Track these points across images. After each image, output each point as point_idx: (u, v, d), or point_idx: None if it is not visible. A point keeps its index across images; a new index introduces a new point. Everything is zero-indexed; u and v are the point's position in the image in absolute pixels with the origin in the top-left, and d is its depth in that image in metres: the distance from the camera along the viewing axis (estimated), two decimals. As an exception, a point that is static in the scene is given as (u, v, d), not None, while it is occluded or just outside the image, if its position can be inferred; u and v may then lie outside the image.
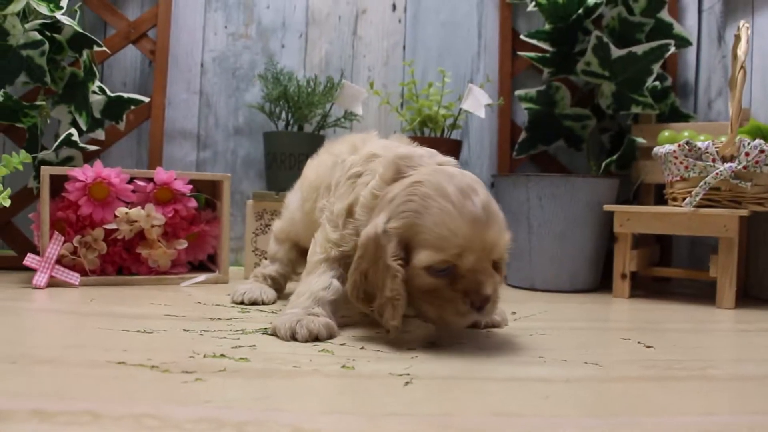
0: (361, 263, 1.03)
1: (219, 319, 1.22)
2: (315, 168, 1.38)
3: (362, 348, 1.02)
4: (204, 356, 0.94)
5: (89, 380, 0.81)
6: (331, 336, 1.08)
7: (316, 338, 1.06)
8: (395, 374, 0.87)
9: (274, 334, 1.09)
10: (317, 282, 1.13)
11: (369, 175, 1.12)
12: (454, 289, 0.99)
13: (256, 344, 1.03)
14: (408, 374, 0.87)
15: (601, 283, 1.83)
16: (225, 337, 1.06)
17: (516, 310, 1.43)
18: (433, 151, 1.16)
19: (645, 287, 1.86)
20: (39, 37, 1.64)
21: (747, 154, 1.49)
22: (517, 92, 1.99)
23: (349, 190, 1.15)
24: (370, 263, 1.02)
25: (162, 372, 0.85)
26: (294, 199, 1.46)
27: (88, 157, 1.85)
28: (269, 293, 1.42)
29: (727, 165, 1.51)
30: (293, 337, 1.05)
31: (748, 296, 1.74)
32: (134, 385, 0.80)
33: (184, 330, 1.11)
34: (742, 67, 1.49)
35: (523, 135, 2.01)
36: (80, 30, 1.70)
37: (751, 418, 0.74)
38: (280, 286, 1.48)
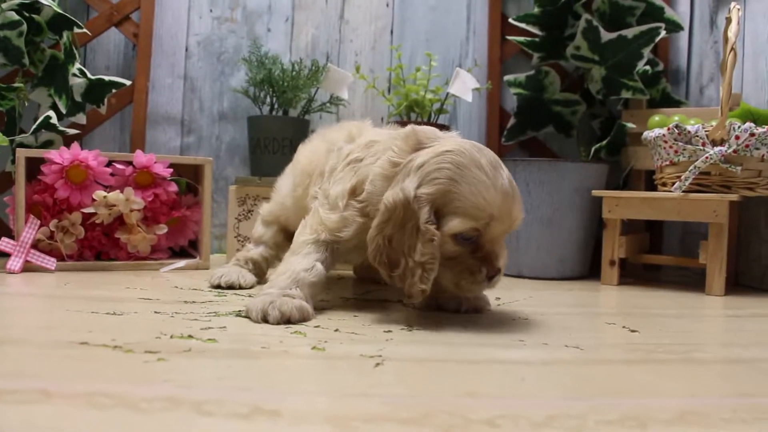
0: (385, 227, 1.02)
1: (193, 302, 1.19)
2: (308, 154, 1.35)
3: (336, 330, 0.99)
4: (171, 337, 0.91)
5: (48, 360, 0.79)
6: (303, 319, 1.05)
7: (288, 320, 1.03)
8: (367, 356, 0.84)
9: (247, 316, 1.06)
10: (300, 262, 1.11)
11: (372, 158, 1.11)
12: (474, 257, 1.03)
13: (227, 326, 1.00)
14: (380, 356, 0.84)
15: (590, 270, 1.80)
16: (196, 319, 1.04)
17: (500, 296, 1.40)
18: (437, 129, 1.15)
19: (635, 274, 1.83)
20: (17, 17, 1.60)
21: (737, 138, 1.46)
22: (506, 77, 1.96)
23: (349, 174, 1.13)
24: (396, 228, 1.01)
25: (124, 352, 0.82)
26: (285, 183, 1.43)
27: (69, 142, 1.81)
28: (248, 277, 1.39)
29: (717, 149, 1.48)
30: (265, 319, 1.03)
31: (739, 284, 1.71)
32: (93, 364, 0.77)
33: (156, 312, 1.09)
34: (732, 49, 1.46)
35: (512, 121, 1.98)
36: (60, 11, 1.67)
37: (734, 400, 0.71)
38: (261, 271, 1.45)
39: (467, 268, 1.03)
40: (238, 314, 1.09)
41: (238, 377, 0.73)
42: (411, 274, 1.01)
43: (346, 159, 1.15)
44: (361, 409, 0.64)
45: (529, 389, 0.73)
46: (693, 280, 1.76)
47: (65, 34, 1.70)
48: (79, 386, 0.68)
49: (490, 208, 0.99)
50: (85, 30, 1.74)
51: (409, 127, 1.10)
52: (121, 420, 0.59)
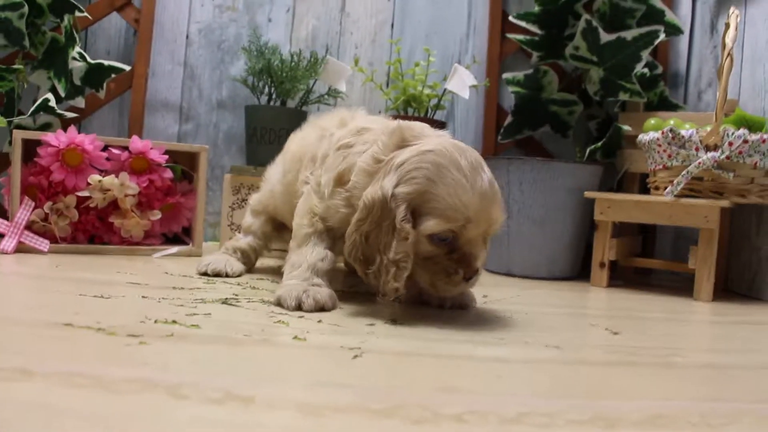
0: (362, 225, 1.03)
1: (182, 288, 1.20)
2: (299, 140, 1.35)
3: (320, 321, 1.00)
4: (155, 322, 0.92)
5: (31, 339, 0.80)
6: (335, 306, 1.10)
7: (322, 308, 1.07)
8: (347, 347, 0.85)
9: (279, 304, 1.08)
10: (313, 253, 1.13)
11: (363, 145, 1.11)
12: (450, 258, 1.03)
13: (212, 313, 1.01)
14: (360, 348, 0.85)
15: (581, 271, 1.80)
16: (182, 305, 1.04)
17: (488, 293, 1.40)
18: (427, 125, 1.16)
19: (625, 277, 1.84)
20: (18, -1, 1.61)
21: (730, 144, 1.47)
22: (505, 75, 1.96)
23: (338, 160, 1.13)
24: (373, 225, 1.02)
25: (107, 335, 0.83)
26: (275, 171, 1.44)
27: (68, 125, 1.82)
28: (235, 266, 1.40)
29: (709, 154, 1.48)
30: (299, 307, 1.06)
31: (729, 290, 1.71)
32: (75, 345, 0.78)
33: (143, 297, 1.09)
34: (729, 54, 1.46)
35: (509, 119, 1.98)
36: (61, -6, 1.68)
37: (706, 405, 0.72)
38: (249, 260, 1.46)
39: (443, 269, 1.03)
40: (225, 302, 1.10)
41: (215, 363, 0.74)
42: (385, 272, 1.02)
43: (338, 144, 1.15)
44: (333, 398, 0.65)
45: (504, 386, 0.74)
46: (683, 285, 1.76)
47: (66, 18, 1.71)
48: (60, 366, 0.69)
49: (466, 210, 0.99)
50: (86, 14, 1.74)
51: (396, 123, 1.11)
52: (95, 400, 0.60)
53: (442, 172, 1.00)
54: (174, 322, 0.92)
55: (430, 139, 1.07)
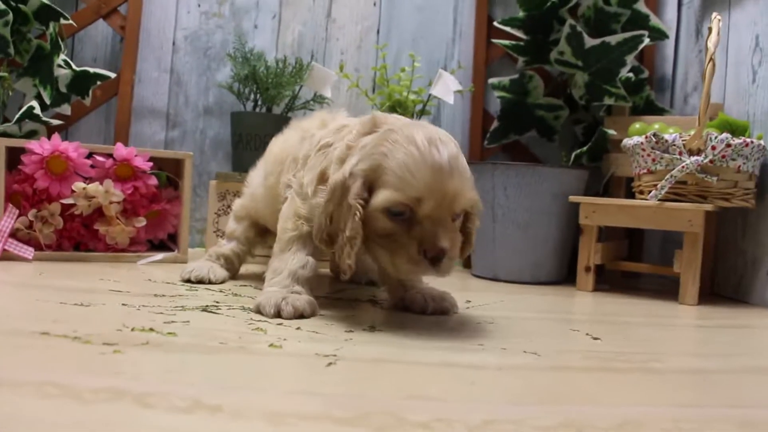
0: (327, 206, 1.04)
1: (163, 295, 1.20)
2: (281, 143, 1.36)
3: (298, 328, 1.00)
4: (132, 329, 0.92)
5: (5, 348, 0.79)
6: (314, 313, 1.09)
7: (301, 315, 1.07)
8: (322, 355, 0.85)
9: (258, 311, 1.08)
10: (294, 260, 1.13)
11: (341, 141, 1.10)
12: (410, 236, 0.99)
13: (191, 320, 1.01)
14: (335, 355, 0.85)
15: (567, 276, 1.80)
16: (161, 313, 1.04)
17: (472, 298, 1.40)
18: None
19: (612, 281, 1.84)
20: (3, 6, 1.61)
21: (714, 148, 1.47)
22: (491, 80, 1.97)
23: (319, 159, 1.13)
24: (336, 205, 1.03)
25: (83, 343, 0.83)
26: (256, 175, 1.44)
27: (53, 132, 1.82)
28: (218, 272, 1.40)
29: (693, 158, 1.48)
30: (278, 315, 1.06)
31: (714, 293, 1.72)
32: (49, 354, 0.78)
33: (123, 304, 1.09)
34: (711, 59, 1.47)
35: (495, 124, 1.99)
36: (47, 2, 1.67)
37: (679, 410, 0.72)
38: (233, 266, 1.46)
39: (403, 247, 1.00)
40: (205, 309, 1.10)
41: (186, 372, 0.74)
42: (340, 250, 1.02)
43: (318, 145, 1.15)
44: (301, 407, 0.65)
45: (476, 393, 0.74)
46: (669, 289, 1.76)
47: (52, 25, 1.71)
48: (32, 376, 0.69)
49: (416, 183, 0.96)
50: (71, 21, 1.74)
51: (371, 114, 1.11)
52: (62, 409, 0.60)
53: (395, 146, 0.99)
54: (151, 329, 0.92)
55: (397, 122, 1.06)
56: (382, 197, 0.98)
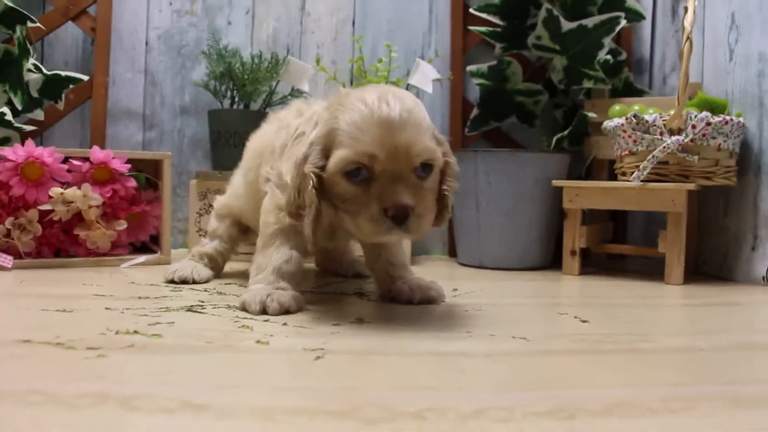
0: (294, 179, 1.03)
1: (147, 297, 1.18)
2: (259, 137, 1.34)
3: (284, 324, 0.99)
4: (116, 333, 0.90)
5: (-16, 359, 0.78)
6: (300, 308, 1.08)
7: (287, 311, 1.06)
8: (309, 349, 0.84)
9: (244, 309, 1.07)
10: (277, 255, 1.11)
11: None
12: (369, 195, 0.96)
13: (176, 321, 0.99)
14: (322, 349, 0.84)
15: (553, 260, 1.80)
16: (146, 315, 1.03)
17: (458, 287, 1.40)
18: None
19: (598, 264, 1.84)
20: (-32, 11, 1.58)
21: (694, 127, 1.47)
22: (469, 68, 1.96)
23: (297, 147, 1.11)
24: (301, 177, 1.01)
25: (66, 349, 0.81)
26: (238, 173, 1.43)
27: (27, 138, 1.79)
28: (202, 272, 1.38)
29: (674, 138, 1.48)
30: (264, 311, 1.05)
31: (700, 273, 1.72)
32: (33, 362, 0.76)
33: (107, 308, 1.07)
34: (688, 38, 1.47)
35: (474, 111, 1.98)
36: (12, 5, 1.65)
37: (667, 390, 0.72)
38: (217, 265, 1.44)
39: (364, 207, 0.97)
40: (190, 309, 1.09)
41: (173, 373, 0.73)
42: (305, 220, 1.02)
43: (294, 134, 1.14)
44: (291, 402, 0.64)
45: (466, 381, 0.73)
46: (655, 269, 1.77)
47: (18, 29, 1.68)
48: (15, 385, 0.67)
49: (364, 137, 0.95)
50: (39, 24, 1.71)
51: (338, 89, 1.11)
52: (48, 417, 0.59)
53: (346, 108, 0.97)
54: (135, 332, 0.91)
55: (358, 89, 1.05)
56: (334, 159, 0.97)
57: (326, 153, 0.99)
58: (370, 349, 0.86)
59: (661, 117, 1.51)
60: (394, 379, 0.72)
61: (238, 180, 1.41)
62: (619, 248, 1.78)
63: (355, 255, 1.56)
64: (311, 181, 0.99)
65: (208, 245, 1.45)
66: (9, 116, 1.62)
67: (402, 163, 0.96)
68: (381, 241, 1.09)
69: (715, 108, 1.55)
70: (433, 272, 1.66)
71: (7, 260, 1.47)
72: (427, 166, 0.99)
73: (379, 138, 0.94)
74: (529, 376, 0.76)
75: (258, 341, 0.88)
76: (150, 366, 0.75)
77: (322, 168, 0.99)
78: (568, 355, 0.87)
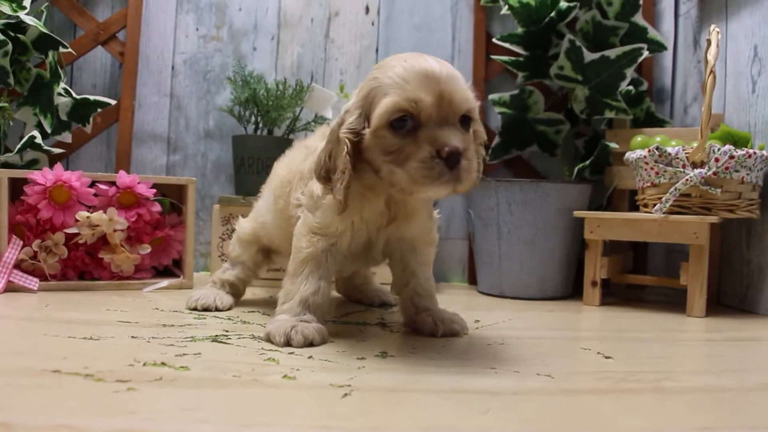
0: (327, 146, 1.05)
1: (172, 325, 1.20)
2: (286, 165, 1.34)
3: (310, 357, 0.99)
4: (144, 364, 0.91)
5: (16, 389, 0.78)
6: (323, 341, 1.09)
7: (310, 344, 1.06)
8: (336, 385, 0.85)
9: (269, 340, 1.08)
10: (306, 285, 1.12)
11: None
12: (419, 142, 0.96)
13: (202, 352, 1.00)
14: (349, 385, 0.85)
15: (573, 290, 1.80)
16: (172, 345, 1.04)
17: (480, 317, 1.40)
18: None
19: (618, 294, 1.83)
20: (1, 37, 1.61)
21: (717, 160, 1.47)
22: (491, 96, 1.97)
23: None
24: (334, 144, 1.04)
25: (95, 381, 0.82)
26: (264, 202, 1.42)
27: (55, 161, 1.82)
28: (225, 299, 1.39)
29: (697, 171, 1.48)
30: (288, 343, 1.06)
31: (721, 304, 1.71)
32: (62, 394, 0.77)
33: (132, 337, 1.09)
34: (711, 71, 1.47)
35: (496, 140, 1.98)
36: (45, 31, 1.68)
37: (696, 433, 0.72)
38: (238, 292, 1.45)
39: (413, 153, 0.96)
40: (215, 339, 1.09)
41: (201, 408, 0.74)
42: (334, 186, 1.04)
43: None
44: (321, 445, 0.64)
45: (490, 421, 0.73)
46: (676, 300, 1.76)
47: (51, 54, 1.71)
48: (45, 419, 0.68)
49: (411, 85, 0.95)
50: (70, 50, 1.74)
51: None
52: (79, 457, 0.60)
53: (385, 69, 0.99)
54: (163, 364, 0.92)
55: None
56: (379, 110, 0.97)
57: (366, 115, 1.01)
58: (395, 386, 0.87)
59: (683, 150, 1.51)
60: (420, 420, 0.73)
61: (265, 209, 1.40)
62: (640, 279, 1.77)
63: (377, 284, 1.57)
64: (346, 147, 1.01)
65: (230, 272, 1.45)
66: (39, 139, 1.65)
67: (447, 110, 0.96)
68: (431, 193, 1.01)
69: (738, 141, 1.55)
70: (453, 300, 1.66)
71: (33, 282, 1.49)
72: (467, 119, 1.00)
73: (425, 85, 0.95)
74: (556, 416, 0.77)
75: (285, 376, 0.88)
76: (179, 401, 0.76)
77: (358, 134, 1.01)
78: (593, 395, 0.87)
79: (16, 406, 0.72)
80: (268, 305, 1.45)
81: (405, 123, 0.96)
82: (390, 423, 0.71)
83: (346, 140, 1.01)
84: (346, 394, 0.81)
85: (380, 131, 0.98)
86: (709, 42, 1.51)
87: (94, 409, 0.72)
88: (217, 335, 1.12)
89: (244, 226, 1.47)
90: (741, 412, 0.81)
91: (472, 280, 1.99)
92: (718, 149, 1.47)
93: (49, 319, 1.22)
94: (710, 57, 1.48)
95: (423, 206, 1.16)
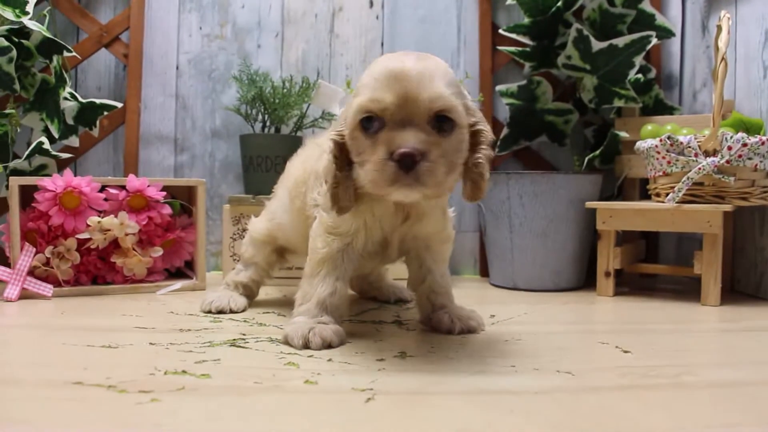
0: (328, 167, 1.06)
1: (189, 330, 1.19)
2: (301, 164, 1.32)
3: (329, 360, 0.99)
4: (165, 373, 0.91)
5: (39, 403, 0.78)
6: (341, 343, 1.09)
7: (329, 346, 1.06)
8: (358, 389, 0.84)
9: (287, 342, 1.08)
10: (323, 287, 1.12)
11: None
12: (378, 142, 0.95)
13: (221, 358, 1.00)
14: (371, 389, 0.85)
15: (586, 280, 1.80)
16: (191, 351, 1.04)
17: (495, 312, 1.40)
18: None
19: (630, 283, 1.83)
20: (6, 43, 1.61)
21: (730, 148, 1.46)
22: (498, 87, 1.96)
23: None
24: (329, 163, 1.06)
25: (118, 392, 0.82)
26: (279, 203, 1.39)
27: (63, 165, 1.82)
28: (239, 301, 1.39)
29: (709, 159, 1.48)
30: (306, 346, 1.06)
31: (735, 291, 1.71)
32: (86, 407, 0.77)
33: (151, 344, 1.08)
34: (723, 58, 1.46)
35: (504, 131, 1.98)
36: (49, 35, 1.67)
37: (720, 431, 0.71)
38: (252, 293, 1.45)
39: (371, 155, 0.96)
40: (233, 344, 1.09)
41: (226, 418, 0.73)
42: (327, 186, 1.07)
43: None
44: (350, 455, 0.64)
45: (516, 423, 0.73)
46: (689, 288, 1.76)
47: (55, 58, 1.70)
48: (72, 434, 0.68)
49: (378, 84, 0.94)
50: (74, 53, 1.74)
51: None
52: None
53: (368, 70, 1.00)
54: (184, 372, 0.92)
55: None
56: (351, 109, 0.98)
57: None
58: (418, 388, 0.86)
59: (695, 138, 1.50)
60: (447, 423, 0.72)
61: (280, 210, 1.38)
62: (653, 268, 1.76)
63: (391, 279, 1.57)
64: (331, 148, 1.03)
65: (243, 273, 1.44)
66: (47, 145, 1.64)
67: (412, 109, 0.93)
68: (390, 196, 0.98)
69: (751, 128, 1.54)
70: (465, 294, 1.66)
71: (47, 289, 1.49)
72: (444, 119, 0.95)
73: (390, 85, 0.93)
74: (579, 417, 0.76)
75: (306, 381, 0.88)
76: (203, 411, 0.76)
77: (344, 135, 1.02)
78: (615, 392, 0.86)
79: (41, 420, 0.72)
80: (282, 305, 1.45)
81: (372, 123, 0.96)
82: (419, 428, 0.71)
83: (332, 142, 1.02)
84: (369, 399, 0.81)
85: (353, 132, 0.98)
86: (719, 28, 1.49)
87: (120, 423, 0.72)
88: (234, 339, 1.12)
89: (257, 226, 1.45)
90: (764, 408, 0.80)
91: (484, 272, 1.99)
92: (731, 137, 1.46)
93: (66, 327, 1.23)
94: (721, 44, 1.47)
95: (435, 204, 1.15)
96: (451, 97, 0.95)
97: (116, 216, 1.57)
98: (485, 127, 1.03)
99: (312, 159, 1.25)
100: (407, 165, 0.91)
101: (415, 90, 0.93)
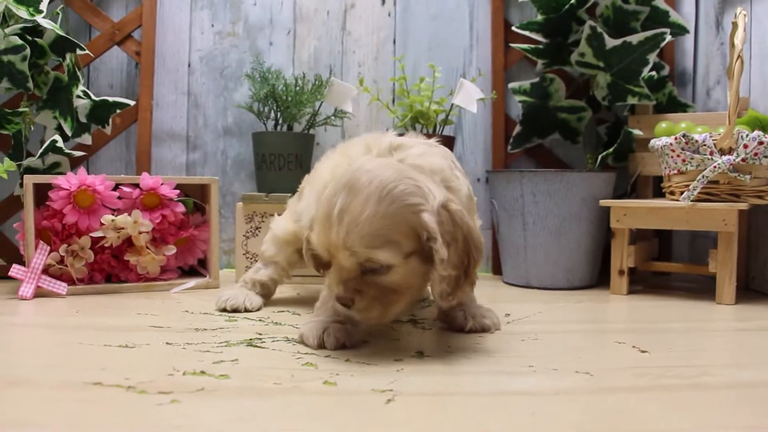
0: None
1: (204, 329, 1.20)
2: (331, 171, 1.27)
3: (347, 360, 0.99)
4: (183, 373, 0.91)
5: (59, 404, 0.78)
6: (356, 343, 1.09)
7: (343, 345, 1.07)
8: (378, 390, 0.84)
9: (302, 342, 1.09)
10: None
11: None
12: (329, 276, 1.06)
13: (239, 358, 1.00)
14: (391, 390, 0.84)
15: (599, 278, 1.79)
16: (208, 351, 1.04)
17: (510, 311, 1.40)
18: (432, 142, 1.18)
19: (644, 281, 1.82)
20: (20, 41, 1.61)
21: (745, 146, 1.45)
22: (511, 85, 1.95)
23: None
24: None
25: (138, 393, 0.82)
26: (306, 206, 1.34)
27: (76, 163, 1.83)
28: (254, 300, 1.39)
29: (725, 158, 1.47)
30: (321, 345, 1.06)
31: (749, 289, 1.70)
32: (106, 409, 0.77)
33: (167, 343, 1.09)
34: (739, 56, 1.45)
35: (517, 129, 1.97)
36: (62, 33, 1.67)
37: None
38: (269, 292, 1.45)
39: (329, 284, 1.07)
40: (250, 343, 1.09)
41: (247, 420, 0.73)
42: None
43: None
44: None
45: (538, 424, 0.73)
46: (703, 286, 1.75)
47: (68, 56, 1.70)
48: (93, 436, 0.68)
49: (314, 231, 1.01)
50: (87, 51, 1.74)
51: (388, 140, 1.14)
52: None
53: (320, 195, 1.05)
54: (203, 372, 0.92)
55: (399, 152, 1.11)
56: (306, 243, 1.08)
57: None
58: (437, 389, 0.86)
59: (711, 136, 1.49)
60: (468, 426, 0.72)
61: (306, 209, 1.32)
62: (667, 266, 1.76)
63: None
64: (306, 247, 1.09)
65: (262, 272, 1.44)
66: (60, 143, 1.64)
67: (340, 258, 0.98)
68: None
69: (766, 126, 1.53)
70: (479, 293, 1.63)
71: (61, 287, 1.50)
72: (366, 266, 0.97)
73: (322, 231, 0.98)
74: (599, 418, 0.76)
75: (326, 382, 0.88)
76: (223, 412, 0.76)
77: None
78: (634, 393, 0.86)
79: (61, 422, 0.72)
80: (297, 304, 1.45)
81: (317, 259, 1.08)
82: (440, 430, 0.71)
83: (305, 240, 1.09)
84: (389, 400, 0.81)
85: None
86: (735, 25, 1.48)
87: (141, 425, 0.72)
88: (251, 339, 1.12)
89: (283, 225, 1.43)
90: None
91: (497, 270, 1.98)
92: (747, 135, 1.45)
93: (81, 326, 1.23)
94: (737, 41, 1.46)
95: None
96: (368, 250, 0.95)
97: (130, 214, 1.57)
98: (436, 246, 0.96)
99: (341, 168, 1.24)
100: (345, 305, 1.00)
101: (335, 244, 0.97)
